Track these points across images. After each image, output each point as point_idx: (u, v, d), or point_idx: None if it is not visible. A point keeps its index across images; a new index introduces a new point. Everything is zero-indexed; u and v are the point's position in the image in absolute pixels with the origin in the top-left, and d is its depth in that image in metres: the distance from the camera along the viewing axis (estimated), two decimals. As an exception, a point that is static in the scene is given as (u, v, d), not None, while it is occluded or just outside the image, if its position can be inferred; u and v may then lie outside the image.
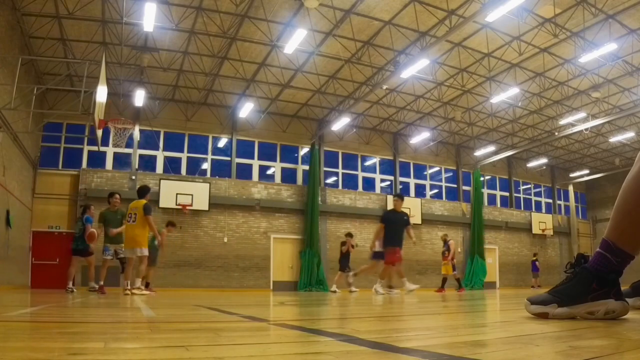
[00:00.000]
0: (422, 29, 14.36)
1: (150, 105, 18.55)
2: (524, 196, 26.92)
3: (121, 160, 18.53)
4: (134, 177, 17.75)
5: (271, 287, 18.64)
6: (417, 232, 22.20)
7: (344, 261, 14.34)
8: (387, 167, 23.07)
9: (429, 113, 20.77)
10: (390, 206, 21.55)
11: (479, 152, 23.60)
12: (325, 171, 21.44)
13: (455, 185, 24.60)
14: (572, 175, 27.19)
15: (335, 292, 13.05)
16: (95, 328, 2.24)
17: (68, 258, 10.82)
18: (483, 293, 12.15)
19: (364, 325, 2.42)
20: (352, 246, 14.49)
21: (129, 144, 17.34)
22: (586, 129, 20.03)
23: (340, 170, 22.07)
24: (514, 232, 25.02)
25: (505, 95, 17.48)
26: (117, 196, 9.90)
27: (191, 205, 17.93)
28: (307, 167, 20.70)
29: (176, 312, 3.73)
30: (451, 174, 24.75)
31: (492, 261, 23.67)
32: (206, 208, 18.25)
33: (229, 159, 19.90)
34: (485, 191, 25.27)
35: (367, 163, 22.78)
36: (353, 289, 13.24)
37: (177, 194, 17.70)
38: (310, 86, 17.95)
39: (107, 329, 2.14)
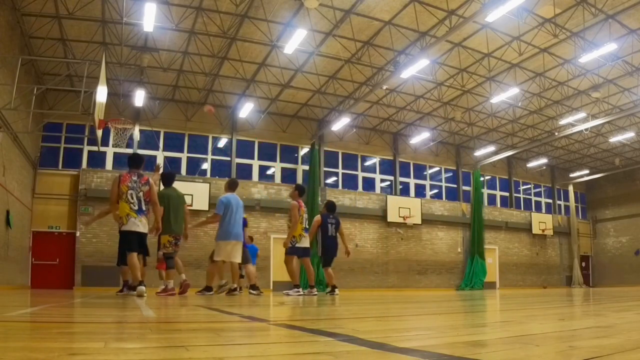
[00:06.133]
0: (422, 29, 14.34)
1: (150, 105, 18.54)
2: (524, 196, 26.89)
3: (121, 161, 18.47)
4: (134, 177, 17.73)
5: (271, 287, 18.61)
6: (417, 232, 22.34)
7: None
8: (387, 167, 23.06)
9: (429, 113, 20.76)
10: (389, 207, 21.69)
11: (479, 152, 23.58)
12: (325, 171, 21.43)
13: (455, 186, 24.58)
14: (572, 175, 27.16)
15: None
16: (95, 328, 2.24)
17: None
18: (483, 293, 12.15)
19: (364, 325, 2.42)
20: None
21: (129, 144, 17.32)
22: (586, 129, 20.02)
23: (340, 171, 22.05)
24: (514, 232, 25.00)
25: (505, 95, 17.45)
26: None
27: (191, 205, 17.84)
28: (307, 167, 20.68)
29: (176, 312, 3.73)
30: (451, 174, 24.73)
31: (492, 261, 23.67)
32: (206, 208, 18.22)
33: (229, 159, 19.89)
34: (485, 191, 25.25)
35: (367, 163, 22.76)
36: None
37: (177, 194, 17.69)
38: (310, 86, 17.93)
39: (107, 329, 2.14)
